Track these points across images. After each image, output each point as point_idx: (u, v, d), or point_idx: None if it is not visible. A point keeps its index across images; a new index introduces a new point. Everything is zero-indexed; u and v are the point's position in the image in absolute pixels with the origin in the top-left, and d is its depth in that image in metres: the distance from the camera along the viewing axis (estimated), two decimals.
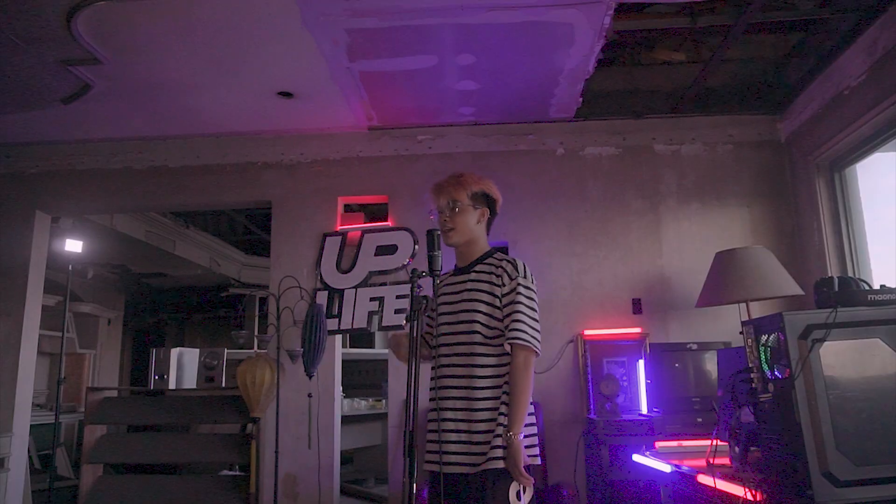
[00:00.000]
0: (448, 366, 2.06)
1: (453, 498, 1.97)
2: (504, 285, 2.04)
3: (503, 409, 1.98)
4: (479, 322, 2.03)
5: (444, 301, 2.12)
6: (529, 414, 2.01)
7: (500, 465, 1.91)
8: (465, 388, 2.01)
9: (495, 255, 2.14)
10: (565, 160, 4.24)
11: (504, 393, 1.99)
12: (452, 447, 1.99)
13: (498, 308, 2.04)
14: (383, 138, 4.32)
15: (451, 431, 2.00)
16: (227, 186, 4.37)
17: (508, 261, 2.09)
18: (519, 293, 2.02)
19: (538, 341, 2.01)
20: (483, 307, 2.04)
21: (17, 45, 3.03)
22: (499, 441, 1.93)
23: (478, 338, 2.03)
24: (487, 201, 2.18)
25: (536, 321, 2.03)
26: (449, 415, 2.01)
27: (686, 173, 4.18)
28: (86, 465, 4.01)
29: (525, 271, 2.06)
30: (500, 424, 1.95)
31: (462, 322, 2.06)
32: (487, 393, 1.99)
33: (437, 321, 2.11)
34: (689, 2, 3.15)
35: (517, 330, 1.98)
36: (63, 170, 4.43)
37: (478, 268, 2.12)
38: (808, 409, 1.80)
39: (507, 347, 2.00)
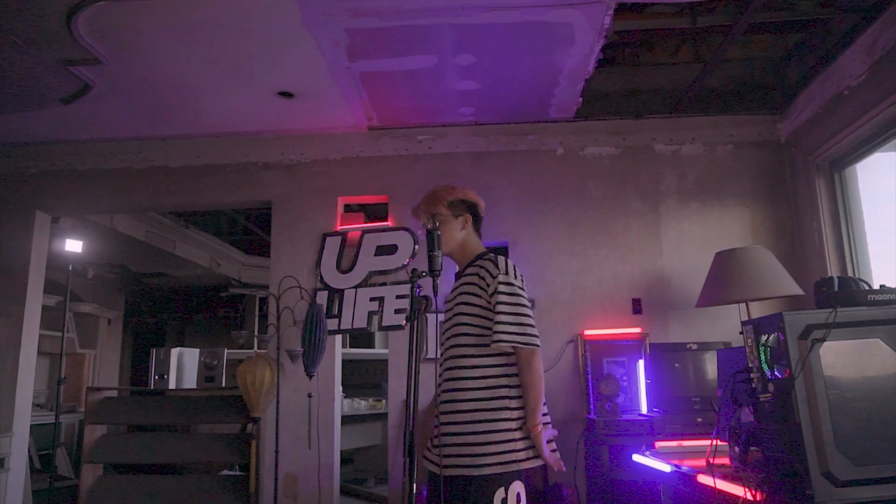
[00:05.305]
0: (444, 370, 2.12)
1: (442, 500, 1.98)
2: (488, 286, 2.06)
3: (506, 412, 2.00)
4: (465, 324, 2.07)
5: (445, 308, 2.20)
6: (544, 414, 2.04)
7: (486, 471, 1.91)
8: (453, 390, 2.05)
9: (483, 257, 2.16)
10: (565, 160, 4.24)
11: (505, 397, 2.01)
12: (445, 450, 2.01)
13: (488, 308, 2.06)
14: (383, 138, 4.32)
15: (444, 435, 2.03)
16: (228, 186, 4.37)
17: (490, 260, 2.10)
18: (500, 292, 2.03)
19: (528, 335, 2.00)
20: (468, 308, 2.08)
21: (17, 45, 3.03)
22: (486, 448, 1.94)
23: (463, 339, 2.07)
24: (468, 207, 2.22)
25: (522, 315, 2.02)
26: (442, 418, 2.04)
27: (686, 173, 4.17)
28: (86, 465, 4.01)
29: (506, 267, 2.06)
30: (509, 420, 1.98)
31: (453, 325, 2.11)
32: (470, 395, 2.01)
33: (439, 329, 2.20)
34: (689, 2, 3.15)
35: (498, 332, 2.00)
36: (63, 170, 4.43)
37: (468, 271, 2.16)
38: (808, 409, 1.79)
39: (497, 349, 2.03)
